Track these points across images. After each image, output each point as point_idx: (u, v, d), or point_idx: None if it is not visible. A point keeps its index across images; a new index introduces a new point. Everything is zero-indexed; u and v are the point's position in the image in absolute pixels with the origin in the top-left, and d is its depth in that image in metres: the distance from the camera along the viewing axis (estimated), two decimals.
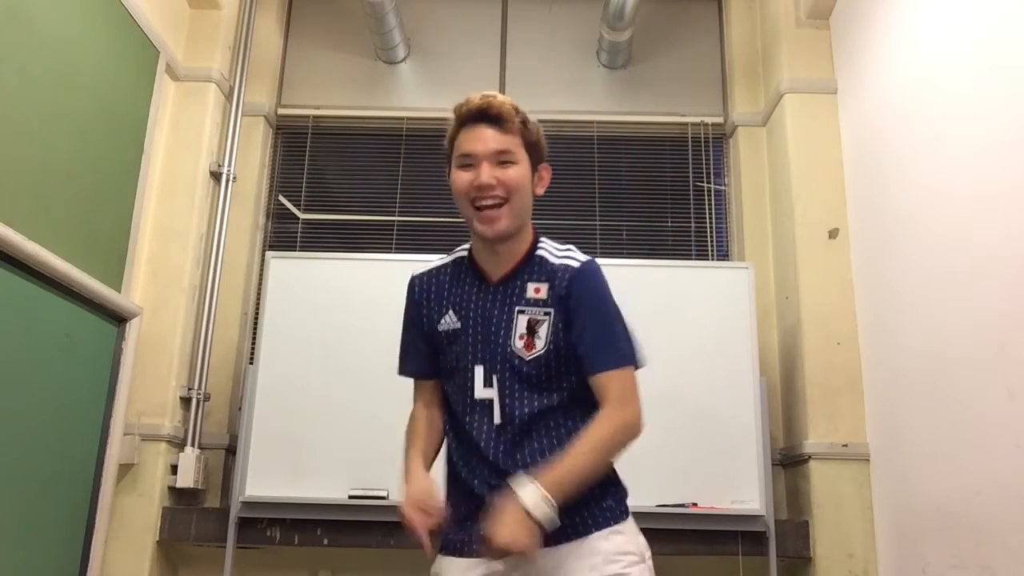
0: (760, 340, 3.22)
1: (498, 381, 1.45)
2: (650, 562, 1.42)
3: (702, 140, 3.91)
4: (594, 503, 1.40)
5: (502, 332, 1.46)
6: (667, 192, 3.87)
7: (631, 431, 1.41)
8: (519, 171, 1.44)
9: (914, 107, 2.78)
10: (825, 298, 3.22)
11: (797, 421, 3.20)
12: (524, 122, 1.46)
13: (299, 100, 3.98)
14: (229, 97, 3.67)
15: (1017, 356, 2.08)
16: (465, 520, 1.44)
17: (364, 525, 2.98)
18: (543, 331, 1.44)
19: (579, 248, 1.54)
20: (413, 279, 1.61)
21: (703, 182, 3.86)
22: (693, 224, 3.79)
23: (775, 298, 3.51)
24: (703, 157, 3.89)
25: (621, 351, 1.45)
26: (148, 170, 3.23)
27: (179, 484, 3.13)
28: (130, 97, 3.14)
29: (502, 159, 1.43)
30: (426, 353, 1.56)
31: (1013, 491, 2.07)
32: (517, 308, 1.46)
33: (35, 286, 2.54)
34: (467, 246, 1.58)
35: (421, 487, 1.43)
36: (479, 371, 1.46)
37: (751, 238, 3.67)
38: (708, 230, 3.79)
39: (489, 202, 1.43)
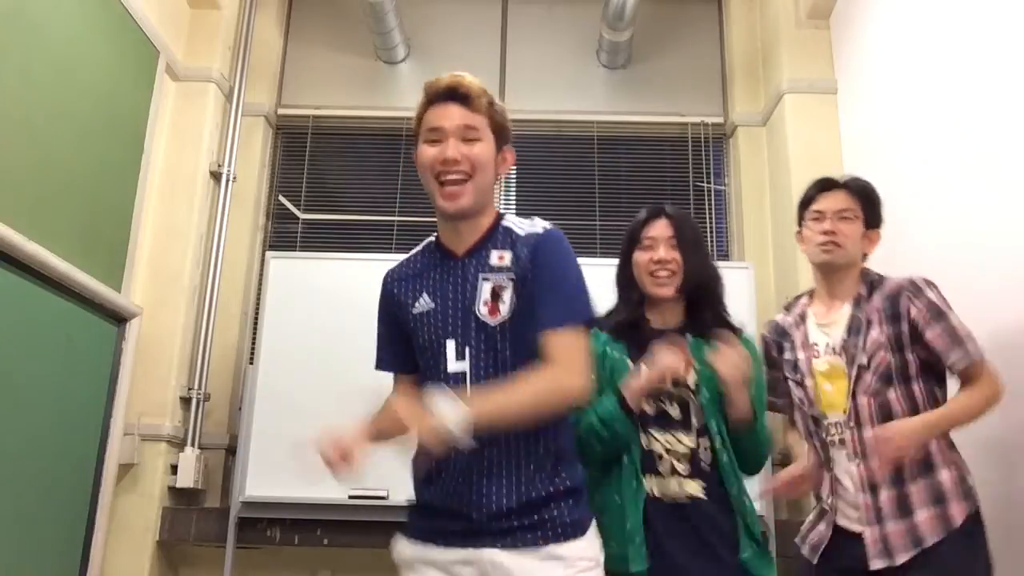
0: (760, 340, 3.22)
1: (470, 354, 1.45)
2: (603, 566, 1.46)
3: (702, 140, 3.91)
4: (557, 516, 1.42)
5: (467, 301, 1.47)
6: (667, 192, 3.86)
7: (566, 397, 1.40)
8: (484, 148, 1.46)
9: (914, 107, 2.78)
10: None
11: None
12: (491, 103, 1.50)
13: (299, 100, 3.98)
14: (229, 97, 3.67)
15: (1017, 357, 2.08)
16: (435, 507, 1.46)
17: (364, 525, 2.98)
18: (507, 296, 1.44)
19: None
20: (386, 275, 1.63)
21: (703, 182, 3.86)
22: None
23: (775, 298, 3.50)
24: (703, 157, 3.89)
25: (569, 310, 1.42)
26: (148, 170, 3.23)
27: (179, 484, 3.13)
28: (130, 97, 3.14)
29: (468, 136, 1.45)
30: (403, 347, 1.57)
31: (1012, 491, 2.07)
32: (481, 275, 1.47)
33: (35, 286, 2.54)
34: (435, 234, 1.60)
35: (358, 433, 1.36)
36: (451, 345, 1.46)
37: (751, 238, 3.67)
38: (708, 230, 3.79)
39: (453, 176, 1.44)
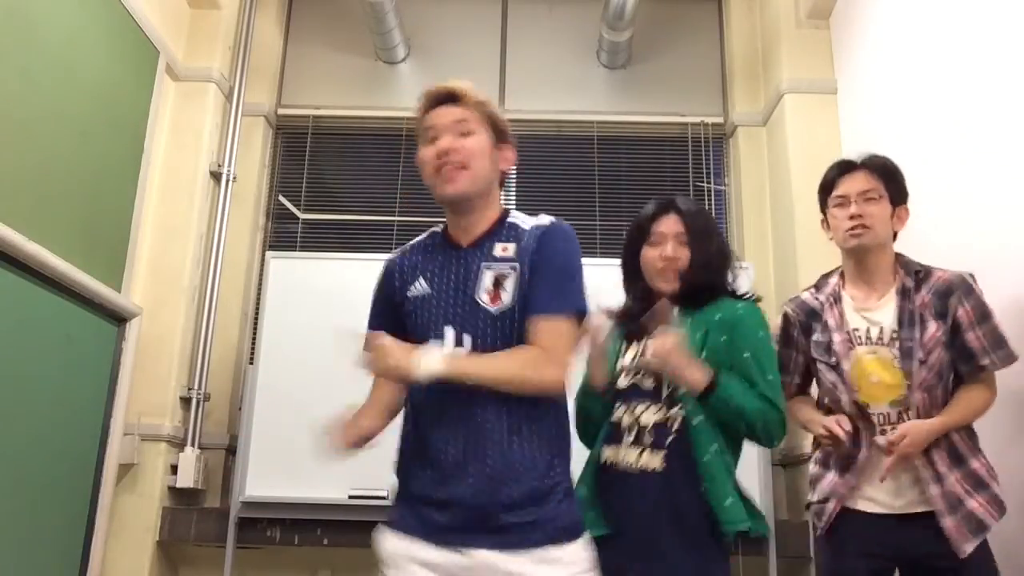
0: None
1: (470, 340, 1.46)
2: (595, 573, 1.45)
3: (702, 140, 3.91)
4: (555, 516, 1.41)
5: (469, 289, 1.49)
6: (667, 192, 3.80)
7: (540, 383, 1.41)
8: (477, 140, 1.51)
9: (914, 107, 2.78)
10: None
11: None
12: (484, 102, 1.55)
13: (299, 100, 3.98)
14: (229, 97, 3.67)
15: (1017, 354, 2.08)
16: (424, 497, 1.44)
17: (364, 525, 2.95)
18: (509, 285, 1.46)
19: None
20: (388, 260, 1.66)
21: (703, 182, 3.86)
22: None
23: (775, 298, 3.50)
24: (703, 157, 3.89)
25: (561, 299, 1.44)
26: (148, 170, 3.24)
27: (179, 484, 3.13)
28: (130, 97, 3.14)
29: (462, 129, 1.51)
30: (391, 318, 1.59)
31: (1012, 490, 2.07)
32: (483, 264, 1.50)
33: (35, 286, 2.54)
34: (442, 224, 1.62)
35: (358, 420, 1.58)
36: (449, 332, 1.47)
37: (751, 238, 3.67)
38: None
39: (450, 165, 1.49)
